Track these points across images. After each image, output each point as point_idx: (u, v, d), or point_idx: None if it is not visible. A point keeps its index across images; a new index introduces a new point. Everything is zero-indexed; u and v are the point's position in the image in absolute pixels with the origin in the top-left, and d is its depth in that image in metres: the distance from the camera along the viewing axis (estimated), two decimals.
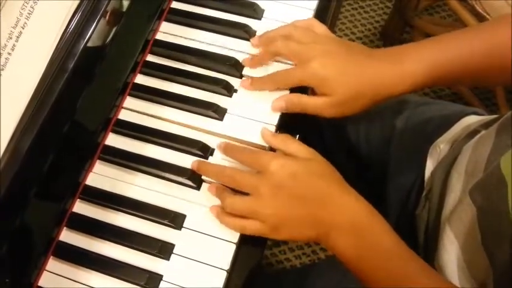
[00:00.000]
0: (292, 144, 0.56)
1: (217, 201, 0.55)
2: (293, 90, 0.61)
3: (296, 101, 0.59)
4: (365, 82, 0.58)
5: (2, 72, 0.45)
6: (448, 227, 0.57)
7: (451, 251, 0.56)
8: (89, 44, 0.54)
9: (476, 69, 0.59)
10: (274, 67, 0.62)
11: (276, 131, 0.60)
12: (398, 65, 0.58)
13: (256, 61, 0.62)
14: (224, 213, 0.54)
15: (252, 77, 0.62)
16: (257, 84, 0.61)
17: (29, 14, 0.47)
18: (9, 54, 0.46)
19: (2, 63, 0.45)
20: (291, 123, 0.61)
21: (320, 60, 0.58)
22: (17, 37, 0.46)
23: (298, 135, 0.59)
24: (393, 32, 1.53)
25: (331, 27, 0.68)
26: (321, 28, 0.63)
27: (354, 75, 0.58)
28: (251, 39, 0.64)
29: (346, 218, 0.52)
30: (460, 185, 0.59)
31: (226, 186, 0.55)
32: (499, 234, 0.48)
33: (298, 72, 0.59)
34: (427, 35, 1.47)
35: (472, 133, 0.65)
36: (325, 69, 0.58)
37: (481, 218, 0.51)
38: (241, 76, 0.63)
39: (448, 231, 0.57)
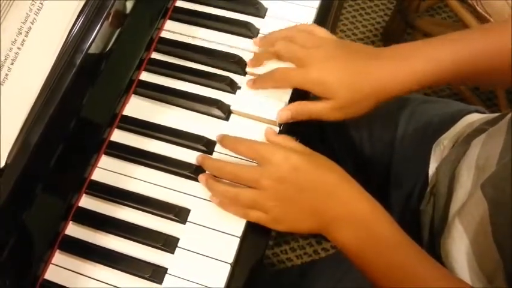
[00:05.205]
0: (294, 143, 0.57)
1: None
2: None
3: (301, 109, 0.60)
4: (368, 84, 0.58)
5: (12, 66, 0.46)
6: (458, 221, 0.57)
7: (460, 245, 0.56)
8: (96, 41, 0.54)
9: (481, 69, 0.59)
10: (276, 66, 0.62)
11: (280, 126, 0.61)
12: (405, 63, 0.58)
13: (256, 60, 0.63)
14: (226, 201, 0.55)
15: (254, 77, 0.63)
16: (259, 83, 0.62)
17: (38, 9, 0.48)
18: (18, 49, 0.47)
19: (12, 58, 0.46)
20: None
21: (319, 66, 0.58)
22: (27, 32, 0.47)
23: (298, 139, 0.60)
24: (394, 33, 1.54)
25: (333, 27, 0.69)
26: (322, 31, 0.63)
27: (356, 77, 0.58)
28: (254, 39, 0.65)
29: (347, 209, 0.52)
30: (470, 180, 0.59)
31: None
32: (510, 227, 0.48)
33: (297, 76, 0.59)
34: (428, 36, 1.48)
35: (476, 130, 0.65)
36: (324, 74, 0.58)
37: (493, 212, 0.51)
38: (244, 73, 0.64)
39: (458, 225, 0.57)
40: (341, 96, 0.58)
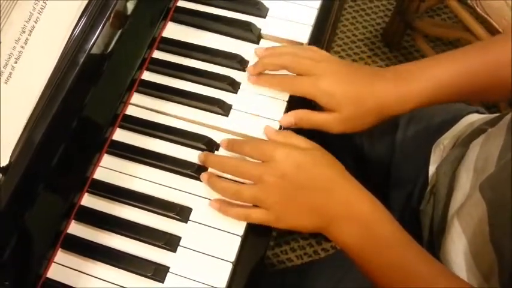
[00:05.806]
0: (295, 137, 0.57)
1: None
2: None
3: (305, 117, 0.60)
4: (371, 100, 0.59)
5: (15, 65, 0.46)
6: (457, 222, 0.58)
7: (458, 245, 0.57)
8: (99, 41, 0.55)
9: (482, 86, 0.60)
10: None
11: (280, 128, 0.61)
12: (405, 84, 0.59)
13: (259, 67, 0.63)
14: (226, 204, 0.55)
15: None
16: (264, 81, 0.62)
17: (42, 8, 0.48)
18: (22, 47, 0.47)
19: (15, 56, 0.46)
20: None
21: (328, 78, 0.59)
22: (30, 31, 0.47)
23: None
24: (394, 34, 1.55)
25: (333, 28, 0.69)
26: (322, 51, 0.64)
27: (361, 93, 0.59)
28: (255, 49, 0.65)
29: (348, 208, 0.53)
30: (469, 182, 0.59)
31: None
32: (507, 228, 0.48)
33: (306, 86, 0.60)
34: (428, 37, 1.48)
35: (476, 130, 0.66)
36: (333, 86, 0.59)
37: (491, 213, 0.51)
38: None
39: (457, 226, 0.57)
40: (345, 109, 0.59)
